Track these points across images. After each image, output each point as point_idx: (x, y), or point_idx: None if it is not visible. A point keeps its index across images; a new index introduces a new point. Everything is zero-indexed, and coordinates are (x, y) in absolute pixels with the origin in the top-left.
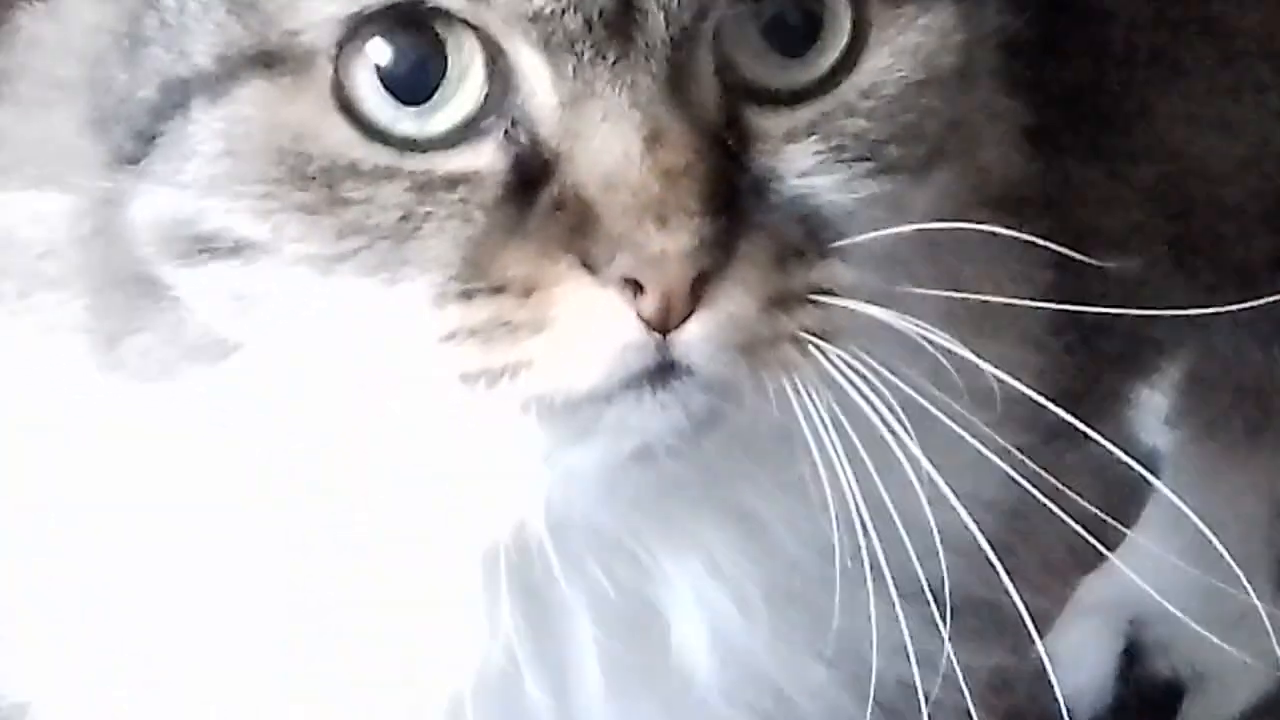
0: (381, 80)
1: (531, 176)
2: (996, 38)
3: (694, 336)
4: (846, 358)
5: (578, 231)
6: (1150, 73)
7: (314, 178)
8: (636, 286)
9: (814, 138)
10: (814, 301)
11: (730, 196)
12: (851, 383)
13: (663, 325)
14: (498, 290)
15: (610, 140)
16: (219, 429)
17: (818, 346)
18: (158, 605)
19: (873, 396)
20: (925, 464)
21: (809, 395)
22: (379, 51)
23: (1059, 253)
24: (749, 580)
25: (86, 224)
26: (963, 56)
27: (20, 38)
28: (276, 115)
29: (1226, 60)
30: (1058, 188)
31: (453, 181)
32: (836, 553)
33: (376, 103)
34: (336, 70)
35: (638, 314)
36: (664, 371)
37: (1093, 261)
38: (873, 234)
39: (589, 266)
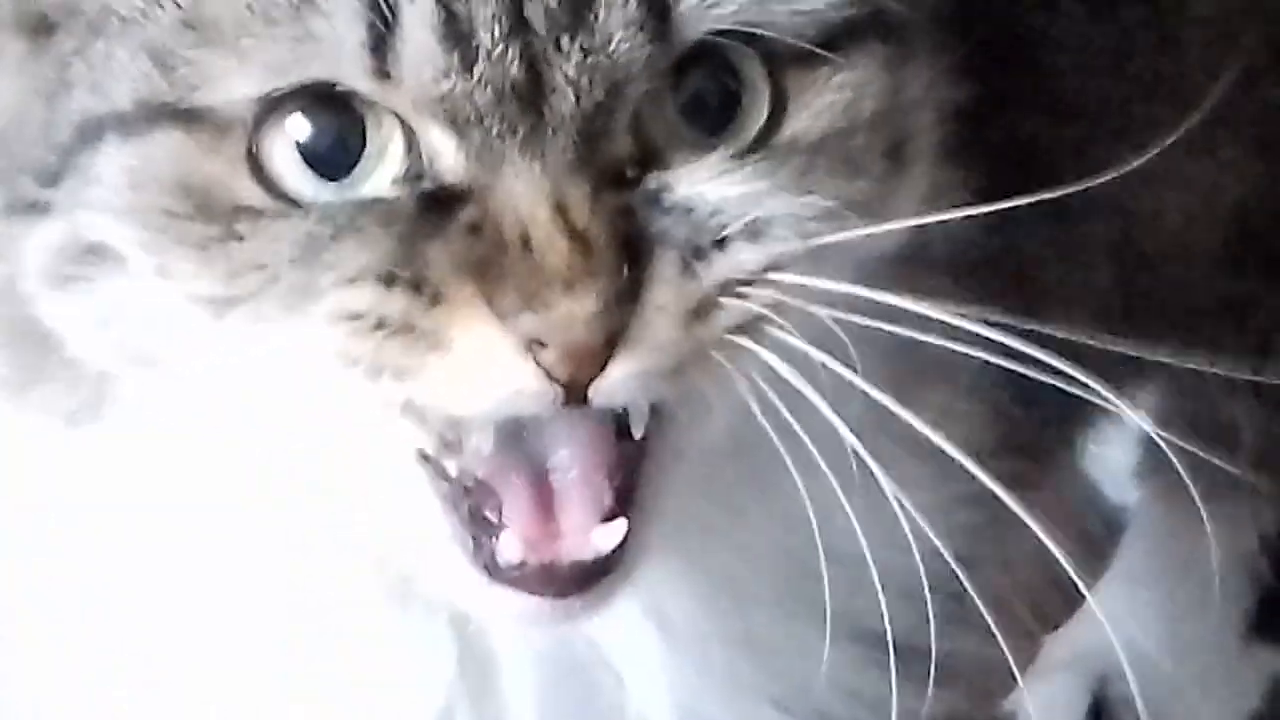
0: (302, 155)
1: (448, 200)
2: (939, 106)
3: (614, 380)
4: (786, 344)
5: (487, 269)
6: (1103, 129)
7: (215, 217)
8: (539, 343)
9: (719, 158)
10: (727, 299)
11: (631, 231)
12: (795, 372)
13: (571, 382)
14: (415, 287)
15: (520, 203)
16: (122, 471)
17: (755, 341)
18: (73, 642)
19: (820, 354)
20: (879, 473)
21: (753, 390)
22: (298, 127)
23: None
24: (703, 630)
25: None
26: (887, 98)
27: None
28: (188, 165)
29: (1179, 114)
30: (1008, 246)
31: (363, 206)
32: (774, 589)
33: (296, 176)
34: (252, 142)
35: (536, 365)
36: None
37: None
38: (767, 211)
39: (494, 311)
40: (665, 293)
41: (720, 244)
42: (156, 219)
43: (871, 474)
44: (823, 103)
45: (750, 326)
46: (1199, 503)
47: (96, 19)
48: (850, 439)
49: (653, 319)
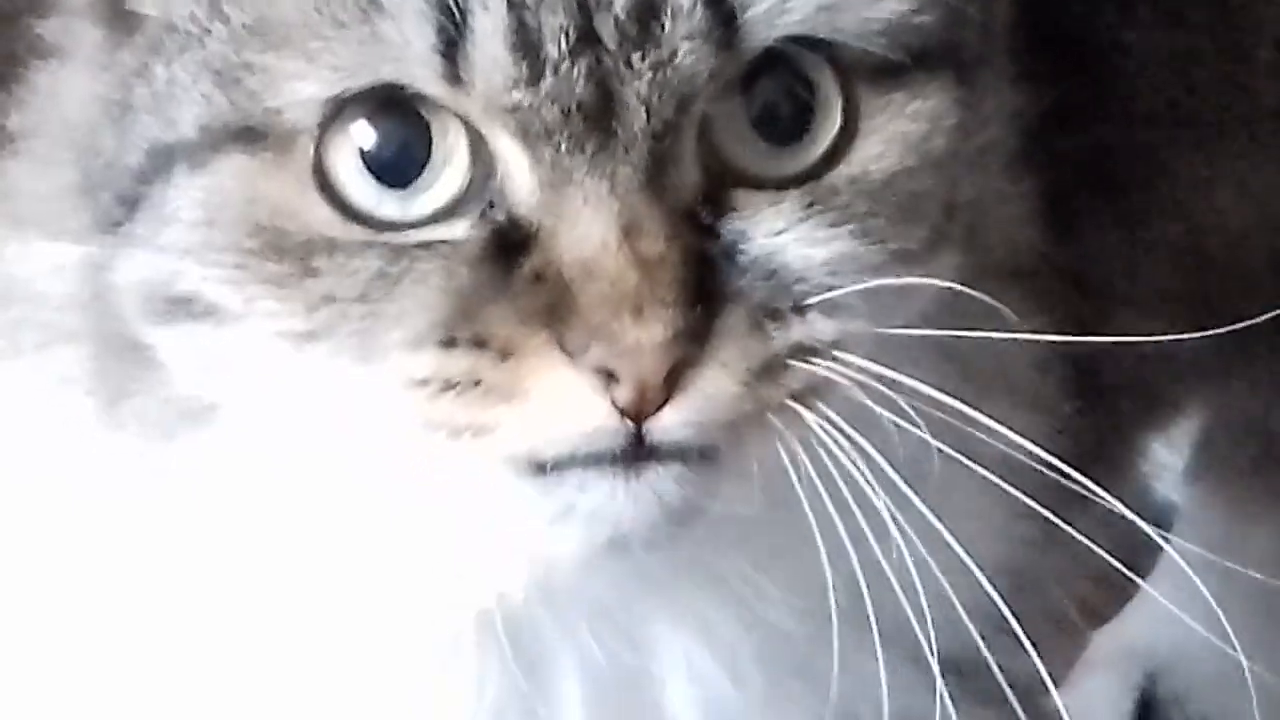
0: (365, 163)
1: (512, 247)
2: (1009, 121)
3: (672, 421)
4: (836, 418)
5: (555, 311)
6: (1170, 134)
7: (289, 252)
8: (611, 375)
9: (792, 204)
10: (797, 364)
11: (705, 274)
12: (843, 444)
13: (637, 413)
14: (479, 344)
15: (589, 228)
16: (216, 488)
17: (806, 407)
18: (149, 658)
19: (863, 462)
20: (932, 518)
21: (800, 460)
22: (363, 134)
23: (1070, 312)
24: (742, 647)
25: (87, 286)
26: (955, 139)
27: (37, 96)
28: (255, 189)
29: (1245, 120)
30: (1074, 253)
31: (430, 245)
32: (832, 619)
33: (359, 185)
34: (318, 151)
35: (611, 401)
36: (639, 458)
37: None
38: (851, 288)
39: (564, 350)
40: (732, 348)
41: (799, 311)
42: (234, 257)
43: (924, 491)
44: (895, 130)
45: (813, 394)
46: (1251, 505)
47: (155, 36)
48: (908, 492)
49: (715, 372)
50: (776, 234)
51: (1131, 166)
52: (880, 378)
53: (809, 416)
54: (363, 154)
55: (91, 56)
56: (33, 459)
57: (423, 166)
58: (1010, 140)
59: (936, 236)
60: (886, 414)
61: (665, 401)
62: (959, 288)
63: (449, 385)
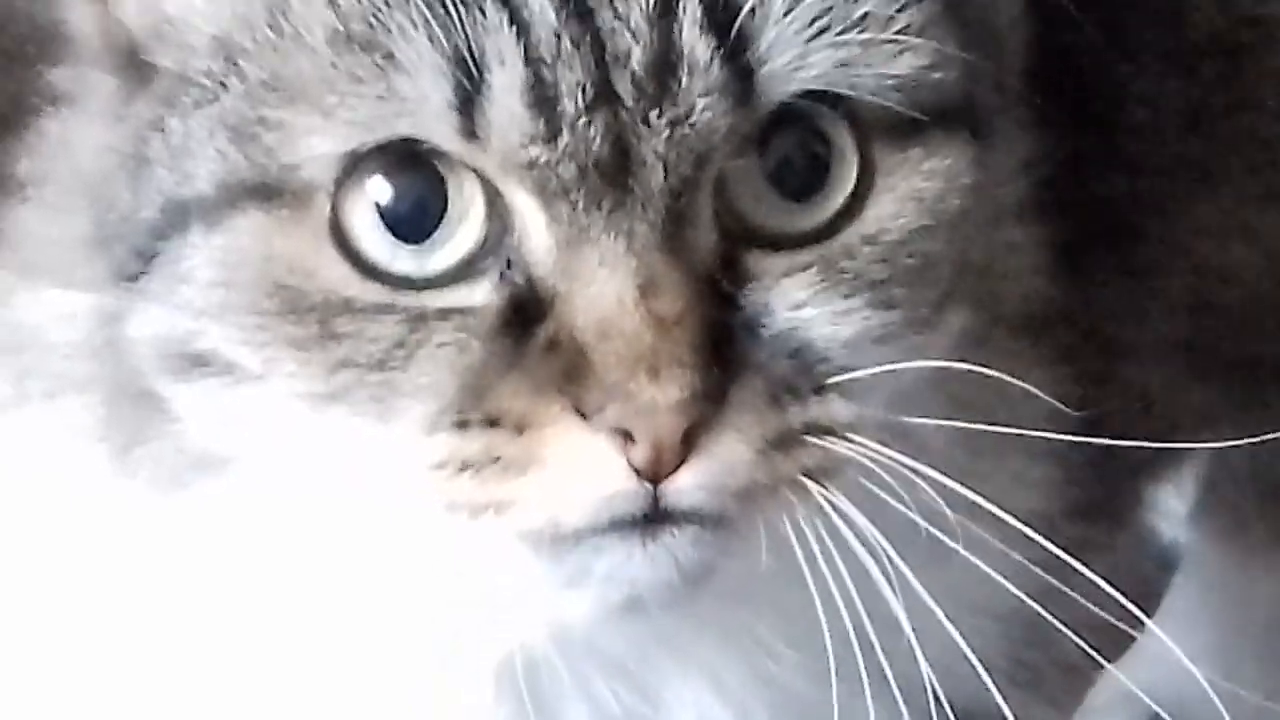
0: (381, 217)
1: (528, 314)
2: (1021, 170)
3: (686, 484)
4: (845, 496)
5: (571, 375)
6: (1179, 184)
7: (307, 313)
8: (627, 436)
9: (810, 272)
10: (812, 440)
11: (723, 340)
12: (851, 520)
13: (653, 475)
14: (492, 423)
15: (605, 287)
16: (227, 537)
17: (818, 484)
18: (162, 707)
19: (873, 533)
20: (925, 596)
21: (808, 534)
22: (379, 189)
23: (1080, 363)
24: (754, 703)
25: (99, 334)
26: (971, 199)
27: (47, 143)
28: (272, 247)
29: (1255, 170)
30: (1083, 302)
31: (448, 314)
32: (832, 673)
33: (374, 240)
34: (334, 207)
35: (628, 462)
36: (655, 521)
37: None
38: (870, 370)
39: (581, 412)
40: (748, 417)
41: (819, 390)
42: (252, 319)
43: (932, 548)
44: (910, 188)
45: (824, 472)
46: (1255, 549)
47: (172, 89)
48: (908, 573)
49: (730, 439)
50: (797, 307)
51: (1141, 216)
52: (892, 460)
53: (819, 493)
54: (379, 209)
55: (105, 106)
56: (41, 507)
57: (439, 222)
58: (1022, 189)
59: (946, 297)
60: (895, 493)
61: (681, 464)
62: (969, 368)
63: (466, 465)
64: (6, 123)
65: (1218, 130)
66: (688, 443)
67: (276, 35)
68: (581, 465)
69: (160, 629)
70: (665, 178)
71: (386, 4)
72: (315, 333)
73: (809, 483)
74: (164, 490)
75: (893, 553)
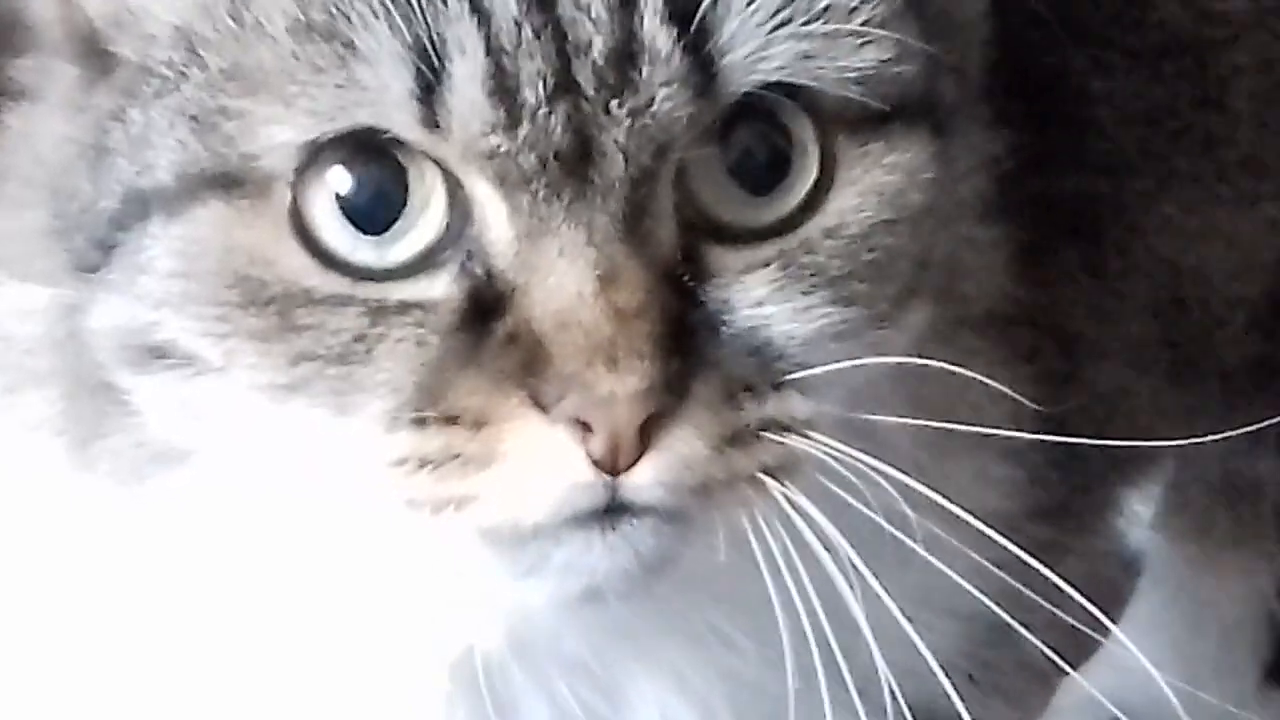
0: (341, 208)
1: (486, 307)
2: (984, 167)
3: (644, 478)
4: (803, 493)
5: (529, 368)
6: (1144, 183)
7: (267, 304)
8: (586, 427)
9: (771, 268)
10: (770, 437)
11: (683, 335)
12: (810, 518)
13: (611, 467)
14: (450, 420)
15: (564, 278)
16: (186, 530)
17: (776, 481)
18: (121, 698)
19: (832, 529)
20: (884, 596)
21: (766, 531)
22: (339, 180)
23: (1044, 362)
24: (715, 698)
25: (59, 327)
26: (932, 193)
27: (7, 137)
28: (232, 238)
29: (1220, 169)
30: (1047, 301)
31: (407, 307)
32: (789, 670)
33: (335, 231)
34: (295, 197)
35: (587, 454)
36: (614, 513)
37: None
38: (828, 366)
39: (539, 404)
40: (705, 413)
41: (776, 387)
42: (212, 310)
43: (893, 548)
44: (871, 181)
45: (782, 469)
46: (1217, 552)
47: (132, 79)
48: (866, 572)
49: (687, 434)
50: (758, 304)
51: (1105, 215)
52: (851, 457)
53: (777, 490)
54: (339, 199)
55: (66, 96)
56: (2, 501)
57: (399, 212)
58: (985, 186)
59: (907, 293)
60: (856, 491)
61: (639, 457)
62: (929, 363)
63: (425, 462)
64: None
65: (1182, 128)
66: (645, 436)
67: (237, 24)
68: (540, 458)
69: (120, 623)
70: (625, 168)
71: None
72: (275, 324)
73: (767, 480)
74: (124, 483)
75: (852, 552)
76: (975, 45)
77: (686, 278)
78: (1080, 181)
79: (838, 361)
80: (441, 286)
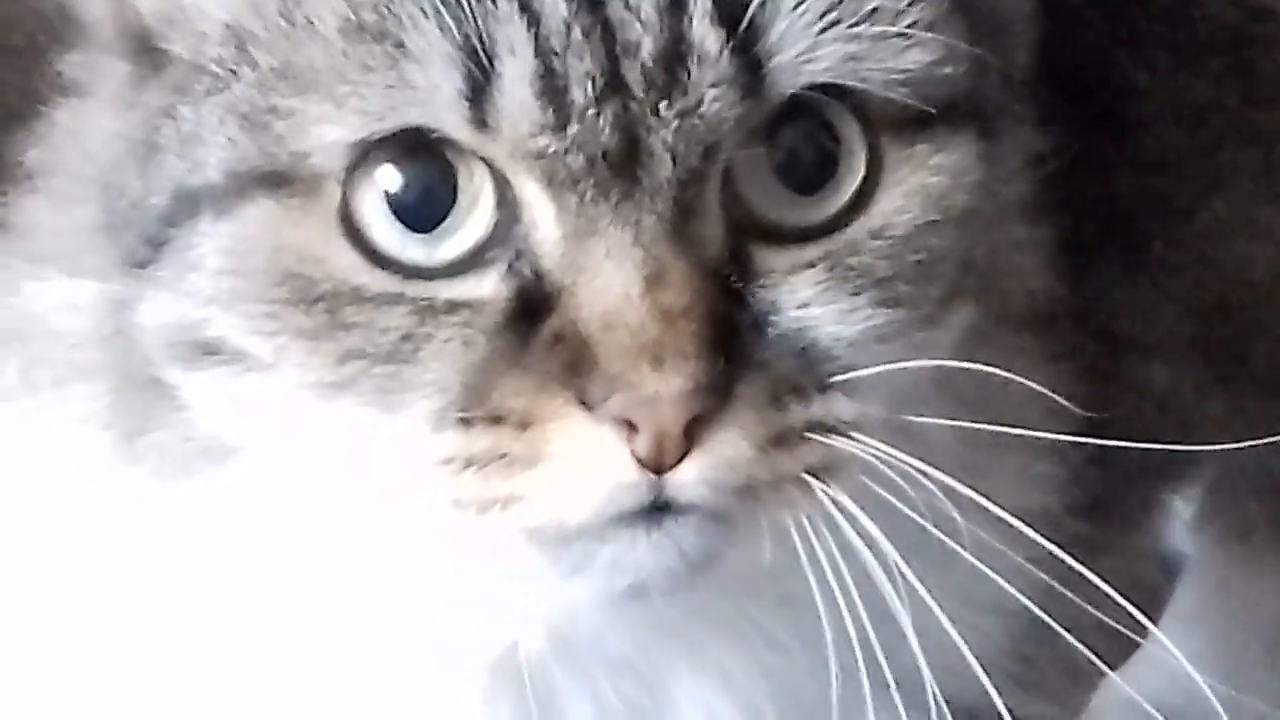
0: (391, 206)
1: (534, 307)
2: (1028, 167)
3: (688, 477)
4: (847, 495)
5: (575, 368)
6: (1191, 182)
7: (316, 302)
8: (631, 427)
9: (818, 269)
10: (815, 438)
11: (729, 335)
12: (854, 519)
13: (657, 465)
14: (496, 420)
15: (611, 278)
16: (232, 525)
17: (820, 482)
18: (166, 694)
19: (876, 530)
20: (926, 596)
21: (810, 532)
22: (389, 178)
23: (1086, 360)
24: (760, 696)
25: (108, 322)
26: (977, 195)
27: (56, 133)
28: (281, 236)
29: (1265, 167)
30: (1091, 301)
31: (455, 307)
32: (832, 669)
33: (384, 229)
34: (344, 195)
35: (632, 453)
36: (658, 511)
37: None
38: (875, 368)
39: (585, 404)
40: (750, 414)
41: (822, 389)
42: (262, 308)
43: (935, 548)
44: (917, 183)
45: (826, 470)
46: (1258, 555)
47: (185, 77)
48: (911, 576)
49: (732, 435)
50: (804, 305)
51: (1149, 213)
52: (895, 458)
53: (821, 491)
54: (388, 197)
55: (116, 93)
56: (47, 494)
57: (448, 211)
58: (1028, 187)
59: (951, 294)
60: (900, 492)
61: (684, 456)
62: (973, 366)
63: (471, 462)
64: (16, 115)
65: (1228, 126)
66: (690, 436)
67: (288, 23)
68: (586, 457)
69: (163, 617)
70: (673, 169)
71: None
72: (324, 322)
73: (811, 481)
74: (170, 478)
75: (894, 552)
76: (1022, 46)
77: (733, 278)
78: (1126, 180)
79: (883, 364)
80: (489, 285)
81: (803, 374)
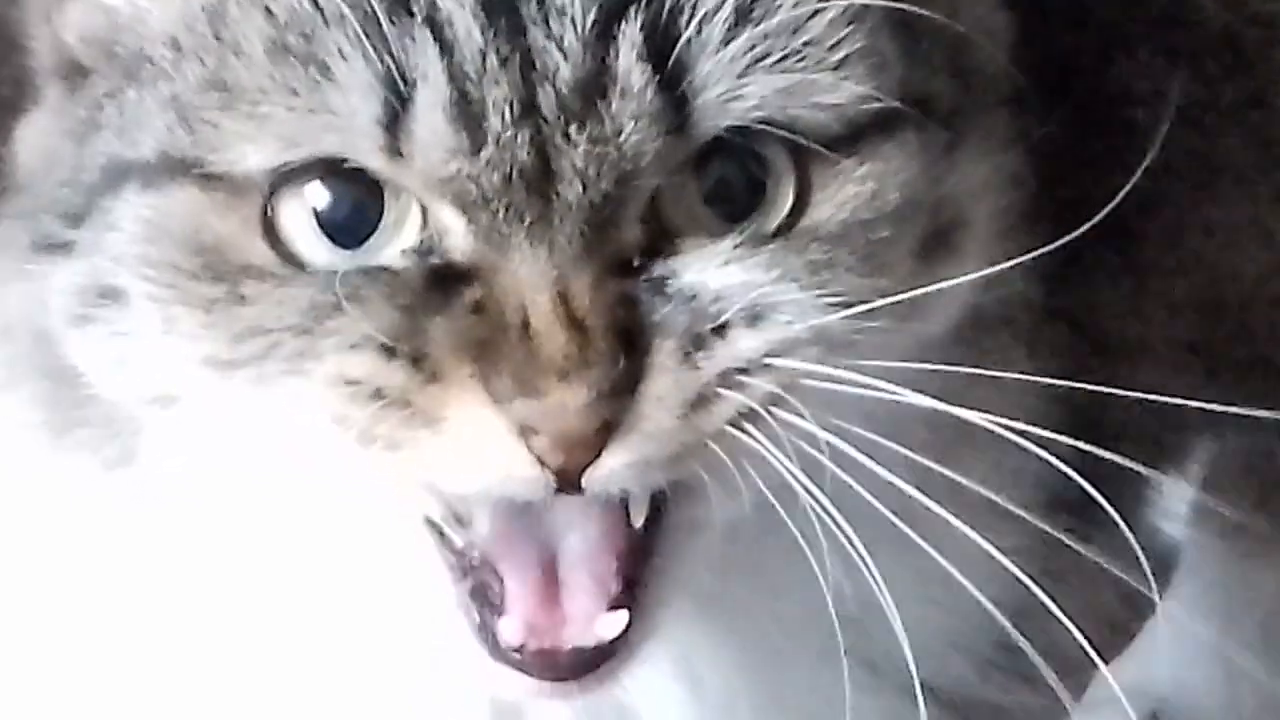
0: (318, 221)
1: (453, 278)
2: (1010, 184)
3: (608, 469)
4: (785, 428)
5: (486, 350)
6: (1184, 183)
7: (219, 279)
8: (532, 430)
9: (727, 246)
10: (728, 392)
11: (633, 317)
12: (795, 463)
13: (562, 470)
14: (415, 361)
15: (524, 290)
16: (156, 519)
17: (745, 431)
18: (114, 694)
19: (822, 480)
20: (878, 583)
21: (754, 483)
22: (317, 195)
23: (1078, 361)
24: (735, 690)
25: (37, 317)
26: (916, 186)
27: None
28: (203, 221)
29: (1262, 169)
30: (1083, 301)
31: (370, 274)
32: (809, 645)
33: (309, 242)
34: (268, 205)
35: (529, 450)
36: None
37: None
38: (768, 298)
39: (490, 393)
40: (663, 383)
41: (720, 330)
42: (167, 274)
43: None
44: (846, 194)
45: (750, 417)
46: (1256, 543)
47: (132, 64)
48: (883, 510)
49: (649, 410)
50: (707, 270)
51: (1143, 215)
52: (831, 391)
53: (751, 440)
54: (316, 214)
55: (56, 104)
56: (18, 491)
57: (375, 228)
58: (1011, 202)
59: (916, 281)
60: (868, 475)
61: (595, 458)
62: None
63: (376, 394)
64: (11, 108)
65: (1223, 129)
66: (603, 433)
67: (217, 40)
68: (480, 440)
69: (113, 613)
70: (584, 191)
71: (323, 20)
72: (223, 296)
73: (735, 431)
74: (109, 468)
75: (848, 528)
76: (992, 47)
77: (637, 260)
78: (1118, 181)
79: (788, 297)
80: (404, 263)
81: (698, 321)
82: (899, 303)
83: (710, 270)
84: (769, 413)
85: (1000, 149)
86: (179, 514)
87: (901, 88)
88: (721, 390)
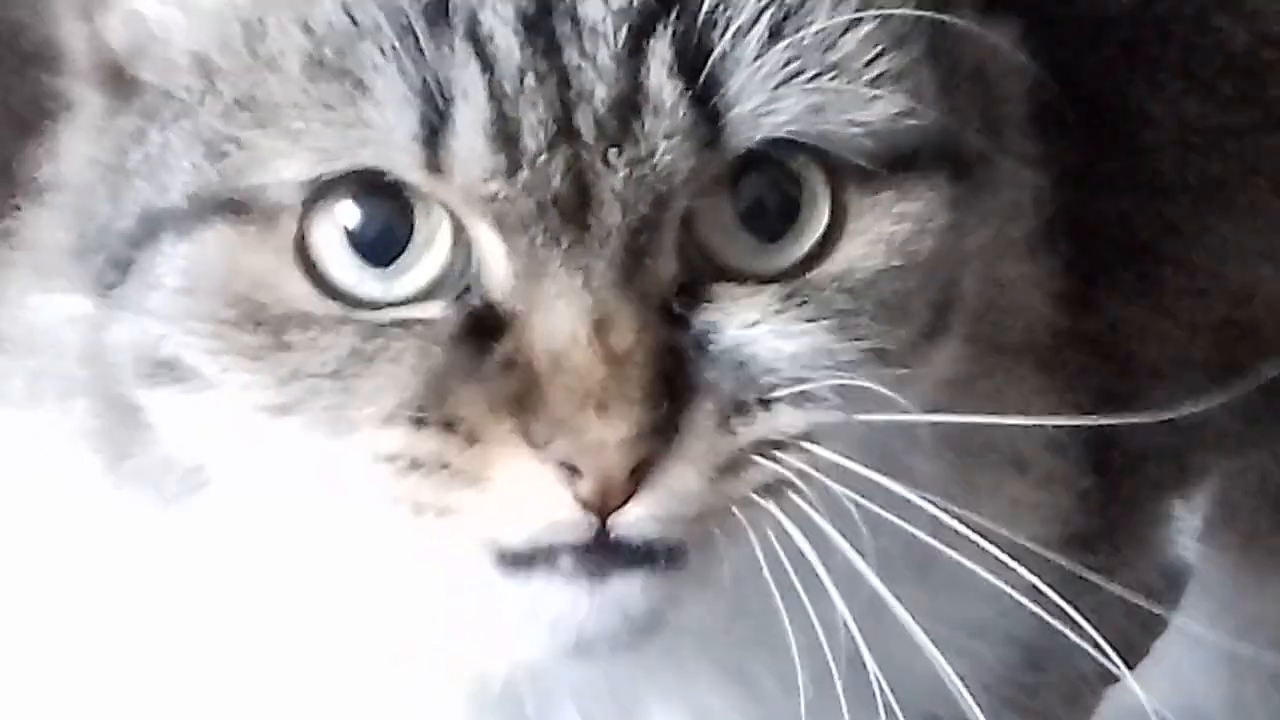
0: (349, 241)
1: (487, 327)
2: (1029, 205)
3: (635, 517)
4: (808, 508)
5: (523, 401)
6: (1200, 205)
7: (263, 324)
8: (575, 470)
9: (768, 296)
10: (761, 460)
11: (675, 369)
12: (817, 533)
13: (600, 508)
14: (448, 426)
15: (560, 320)
16: (211, 553)
17: (771, 501)
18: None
19: (845, 544)
20: (904, 615)
21: (775, 551)
22: (348, 214)
23: (1095, 384)
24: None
25: (91, 342)
26: (949, 239)
27: (57, 149)
28: (236, 261)
29: (1278, 192)
30: (1099, 323)
31: (406, 323)
32: (801, 693)
33: (341, 263)
34: (301, 227)
35: (574, 495)
36: (604, 551)
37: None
38: (823, 383)
39: (530, 441)
40: (698, 445)
41: (765, 404)
42: (210, 327)
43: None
44: (881, 230)
45: (776, 489)
46: (1265, 565)
47: (152, 103)
48: (881, 589)
49: (680, 469)
50: (749, 326)
51: (1160, 237)
52: (852, 473)
53: (774, 511)
54: (347, 232)
55: (91, 120)
56: (47, 507)
57: (405, 247)
58: (1030, 222)
59: (928, 333)
60: (865, 505)
61: (630, 496)
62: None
63: (416, 464)
64: (24, 126)
65: (1239, 150)
66: (638, 476)
67: (252, 57)
68: (526, 491)
69: (155, 638)
70: (623, 216)
71: (359, 34)
72: (270, 343)
73: (762, 501)
74: (156, 506)
75: (869, 571)
76: (1010, 90)
77: (677, 305)
78: (1135, 203)
79: (834, 378)
80: (438, 309)
81: (744, 390)
82: (904, 358)
83: (752, 328)
84: (792, 490)
85: (1019, 185)
86: (223, 553)
87: (939, 130)
88: (755, 458)
